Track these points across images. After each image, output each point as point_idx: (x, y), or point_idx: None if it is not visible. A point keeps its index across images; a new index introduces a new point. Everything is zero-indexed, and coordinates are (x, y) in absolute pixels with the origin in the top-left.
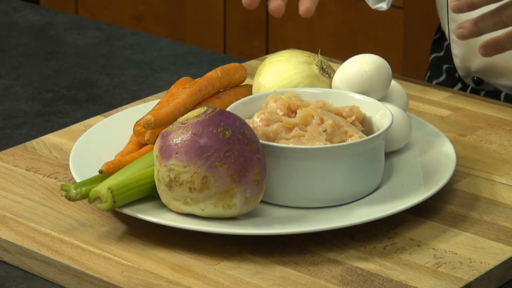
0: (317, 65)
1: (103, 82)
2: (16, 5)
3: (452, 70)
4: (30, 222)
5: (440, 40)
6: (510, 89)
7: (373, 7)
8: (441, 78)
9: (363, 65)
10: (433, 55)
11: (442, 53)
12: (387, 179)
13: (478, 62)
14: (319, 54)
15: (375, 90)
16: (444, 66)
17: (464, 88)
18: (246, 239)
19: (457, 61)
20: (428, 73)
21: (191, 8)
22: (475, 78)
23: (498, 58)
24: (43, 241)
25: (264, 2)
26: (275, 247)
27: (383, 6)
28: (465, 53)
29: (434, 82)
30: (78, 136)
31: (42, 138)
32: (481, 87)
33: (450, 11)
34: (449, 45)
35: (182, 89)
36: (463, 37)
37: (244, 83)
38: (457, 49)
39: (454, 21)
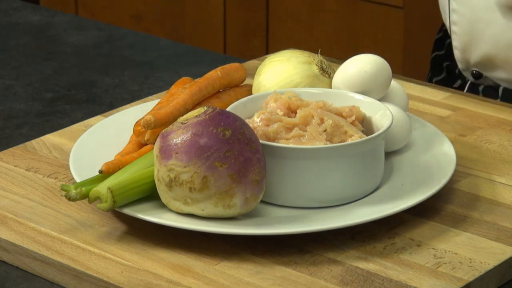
0: (317, 65)
1: (103, 82)
2: (16, 5)
3: (452, 67)
4: (30, 222)
5: (442, 39)
6: (508, 83)
7: None
8: (441, 76)
9: (363, 65)
10: (434, 54)
11: (443, 51)
12: (387, 179)
13: (477, 53)
14: (319, 54)
15: (375, 90)
16: (445, 64)
17: (463, 85)
18: (246, 239)
19: (457, 53)
20: (430, 72)
21: (191, 8)
22: (474, 72)
23: (497, 49)
24: (43, 241)
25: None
26: (275, 247)
27: None
28: (465, 44)
29: (434, 80)
30: (78, 136)
31: (42, 138)
32: (479, 81)
33: (452, 2)
34: (450, 43)
35: (182, 89)
36: None
37: (244, 83)
38: (457, 40)
39: (456, 12)
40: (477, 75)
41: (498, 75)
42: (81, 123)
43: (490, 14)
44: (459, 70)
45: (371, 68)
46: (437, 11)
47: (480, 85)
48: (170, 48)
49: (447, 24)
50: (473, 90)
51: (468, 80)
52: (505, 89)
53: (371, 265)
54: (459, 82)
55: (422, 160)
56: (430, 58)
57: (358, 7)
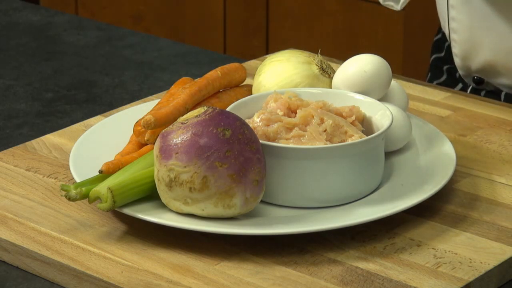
0: (317, 65)
1: (103, 82)
2: (16, 5)
3: (453, 70)
4: (30, 222)
5: (440, 41)
6: (510, 89)
7: (383, 3)
8: (442, 79)
9: (363, 65)
10: (434, 56)
11: (443, 54)
12: (387, 179)
13: (478, 61)
14: (319, 54)
15: (375, 90)
16: (445, 67)
17: (464, 89)
18: (246, 239)
19: (457, 60)
20: (429, 74)
21: (191, 8)
22: (475, 77)
23: (498, 56)
24: (43, 241)
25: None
26: (275, 247)
27: (395, 6)
28: (465, 52)
29: (434, 82)
30: (78, 136)
31: (42, 138)
32: (481, 87)
33: (450, 10)
34: (449, 45)
35: (182, 89)
36: None
37: (244, 83)
38: (457, 48)
39: (455, 20)
40: (479, 81)
41: (500, 81)
42: (81, 123)
43: (489, 21)
44: (460, 73)
45: (371, 68)
46: (437, 12)
47: (482, 90)
48: (170, 48)
49: (446, 31)
50: (475, 94)
51: (470, 85)
52: (507, 94)
53: (371, 265)
54: (460, 85)
55: (422, 160)
56: (429, 60)
57: (358, 7)
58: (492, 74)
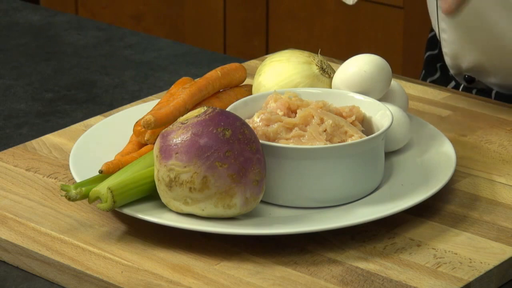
0: (317, 65)
1: (103, 82)
2: (16, 5)
3: (446, 68)
4: (30, 222)
5: (434, 38)
6: (500, 87)
7: None
8: (435, 76)
9: (363, 65)
10: (427, 53)
11: (436, 51)
12: (387, 179)
13: (468, 60)
14: (319, 54)
15: (375, 90)
16: (438, 64)
17: (457, 86)
18: (246, 239)
19: (448, 60)
20: (423, 71)
21: (191, 8)
22: (466, 76)
23: (486, 56)
24: (43, 241)
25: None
26: (275, 247)
27: (348, 0)
28: (455, 51)
29: (428, 80)
30: (78, 136)
31: (42, 138)
32: (472, 85)
33: (440, 10)
34: None
35: (182, 89)
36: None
37: (244, 83)
38: (447, 47)
39: (444, 20)
40: (469, 80)
41: (490, 80)
42: (81, 123)
43: (478, 21)
44: (451, 72)
45: (371, 68)
46: (428, 12)
47: (473, 88)
48: (170, 48)
49: (436, 31)
50: (467, 92)
51: (462, 84)
52: (497, 93)
53: (371, 265)
54: (453, 83)
55: (422, 160)
56: (423, 58)
57: (358, 7)
58: (482, 73)
